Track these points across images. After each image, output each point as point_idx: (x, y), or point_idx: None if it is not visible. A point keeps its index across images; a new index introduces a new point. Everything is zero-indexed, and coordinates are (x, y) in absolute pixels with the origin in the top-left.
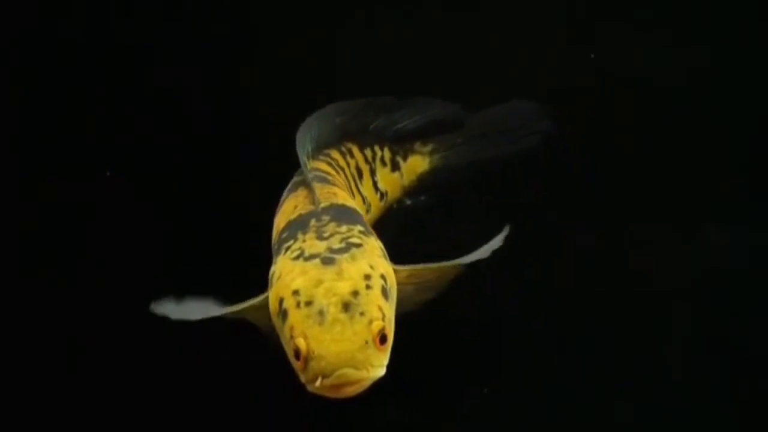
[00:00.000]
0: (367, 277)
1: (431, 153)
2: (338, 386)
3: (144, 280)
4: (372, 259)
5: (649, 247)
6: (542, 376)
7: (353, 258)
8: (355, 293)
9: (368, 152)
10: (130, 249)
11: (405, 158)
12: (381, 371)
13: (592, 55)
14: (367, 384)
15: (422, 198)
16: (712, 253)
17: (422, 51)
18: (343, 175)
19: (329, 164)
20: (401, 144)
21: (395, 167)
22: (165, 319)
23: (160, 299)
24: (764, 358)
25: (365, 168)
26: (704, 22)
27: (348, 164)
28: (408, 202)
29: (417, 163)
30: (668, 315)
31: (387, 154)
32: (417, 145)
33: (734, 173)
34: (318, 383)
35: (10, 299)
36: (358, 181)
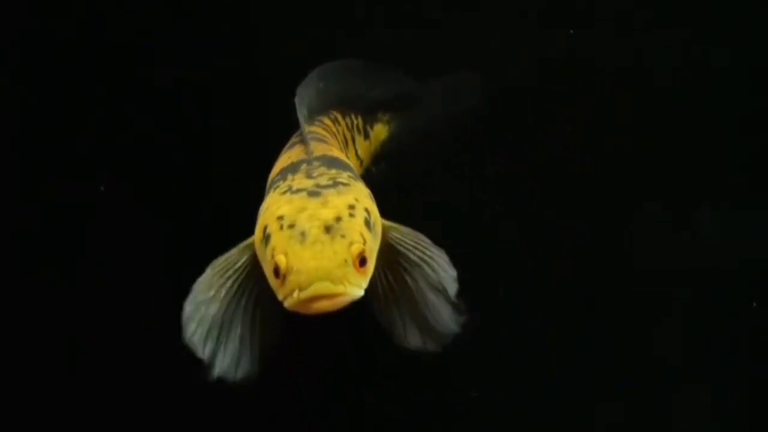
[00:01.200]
0: (351, 207)
1: (389, 121)
2: (314, 300)
3: (144, 280)
4: (358, 195)
5: (649, 247)
6: (540, 375)
7: (339, 193)
8: (338, 219)
9: (348, 120)
10: (130, 249)
11: (372, 126)
12: (358, 291)
13: (571, 31)
14: (342, 301)
15: (383, 165)
16: (711, 252)
17: (422, 51)
18: (336, 141)
19: (325, 130)
20: (369, 112)
21: (366, 135)
22: (165, 320)
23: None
24: (764, 358)
25: (348, 135)
26: (703, 22)
27: (338, 131)
28: (372, 169)
29: (380, 131)
30: (668, 314)
31: (360, 122)
32: (380, 114)
33: (734, 173)
34: (295, 295)
35: (10, 299)
36: (345, 148)
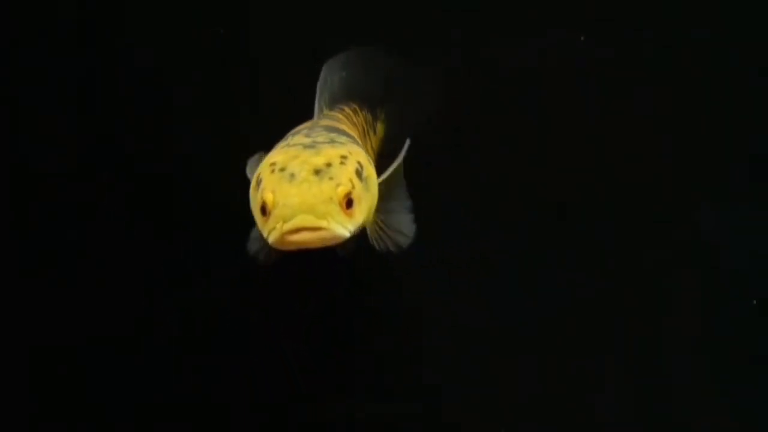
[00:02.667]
0: (344, 157)
1: (383, 120)
2: (296, 232)
3: (144, 280)
4: (352, 150)
5: (649, 246)
6: (540, 376)
7: (333, 147)
8: (328, 164)
9: (364, 114)
10: (130, 249)
11: (376, 123)
12: (343, 231)
13: (582, 38)
14: (324, 236)
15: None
16: (712, 252)
17: (426, 54)
18: (356, 130)
19: (346, 117)
20: (373, 108)
21: (375, 132)
22: (164, 320)
23: None
24: (765, 359)
25: (366, 128)
26: (705, 21)
27: (357, 122)
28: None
29: (380, 129)
30: (669, 314)
31: (371, 118)
32: (378, 111)
33: (735, 171)
34: (278, 226)
35: (10, 299)
36: (364, 140)
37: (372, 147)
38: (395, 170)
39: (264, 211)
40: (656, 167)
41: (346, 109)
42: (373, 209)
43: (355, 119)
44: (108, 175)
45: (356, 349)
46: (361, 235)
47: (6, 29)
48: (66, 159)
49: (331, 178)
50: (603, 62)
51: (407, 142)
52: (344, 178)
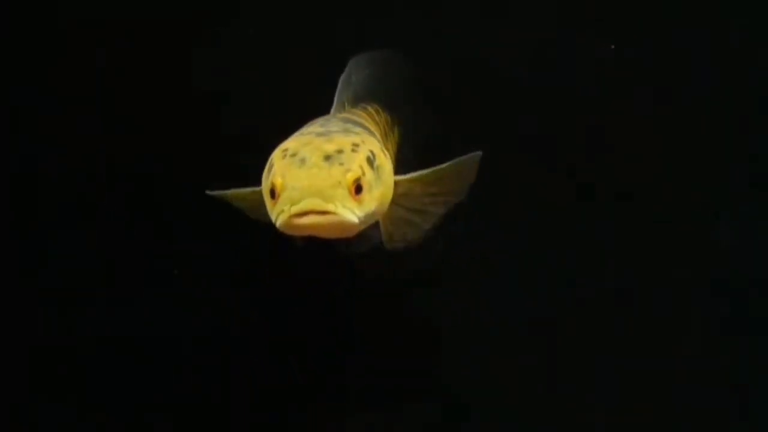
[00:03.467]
0: (356, 144)
1: (398, 126)
2: (304, 215)
3: (144, 280)
4: (366, 140)
5: (650, 247)
6: (538, 376)
7: (347, 135)
8: (339, 151)
9: (385, 115)
10: (130, 249)
11: (394, 127)
12: (351, 216)
13: (613, 46)
14: (333, 221)
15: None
16: (712, 252)
17: (426, 58)
18: (379, 129)
19: (369, 116)
20: (392, 112)
21: (393, 134)
22: (164, 320)
23: None
24: (765, 358)
25: (387, 130)
26: (707, 23)
27: (379, 121)
28: None
29: (397, 133)
30: (669, 314)
31: (390, 120)
32: (395, 116)
33: (735, 175)
34: (286, 209)
35: (10, 299)
36: (385, 141)
37: (392, 149)
38: (431, 174)
39: (273, 194)
40: (656, 167)
41: (369, 108)
42: (387, 200)
43: (377, 118)
44: (108, 175)
45: (356, 349)
46: (374, 235)
47: (6, 29)
48: (66, 159)
49: (341, 164)
50: (603, 62)
51: (477, 154)
52: (354, 165)
